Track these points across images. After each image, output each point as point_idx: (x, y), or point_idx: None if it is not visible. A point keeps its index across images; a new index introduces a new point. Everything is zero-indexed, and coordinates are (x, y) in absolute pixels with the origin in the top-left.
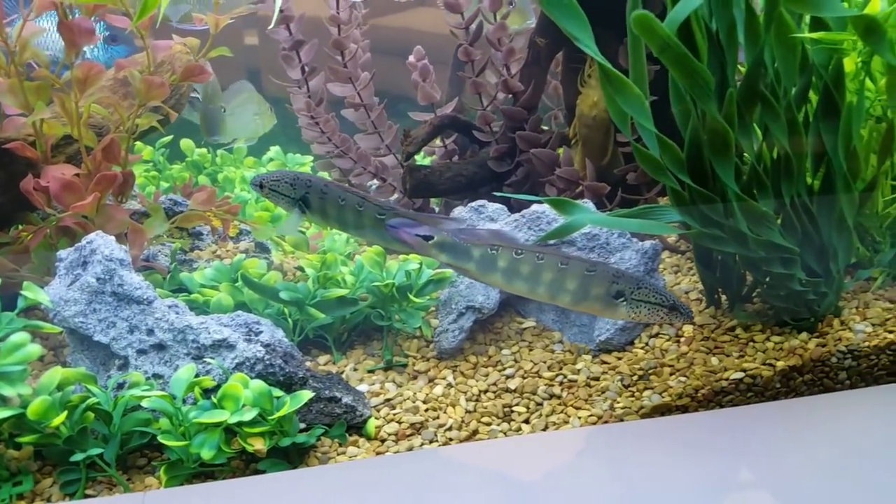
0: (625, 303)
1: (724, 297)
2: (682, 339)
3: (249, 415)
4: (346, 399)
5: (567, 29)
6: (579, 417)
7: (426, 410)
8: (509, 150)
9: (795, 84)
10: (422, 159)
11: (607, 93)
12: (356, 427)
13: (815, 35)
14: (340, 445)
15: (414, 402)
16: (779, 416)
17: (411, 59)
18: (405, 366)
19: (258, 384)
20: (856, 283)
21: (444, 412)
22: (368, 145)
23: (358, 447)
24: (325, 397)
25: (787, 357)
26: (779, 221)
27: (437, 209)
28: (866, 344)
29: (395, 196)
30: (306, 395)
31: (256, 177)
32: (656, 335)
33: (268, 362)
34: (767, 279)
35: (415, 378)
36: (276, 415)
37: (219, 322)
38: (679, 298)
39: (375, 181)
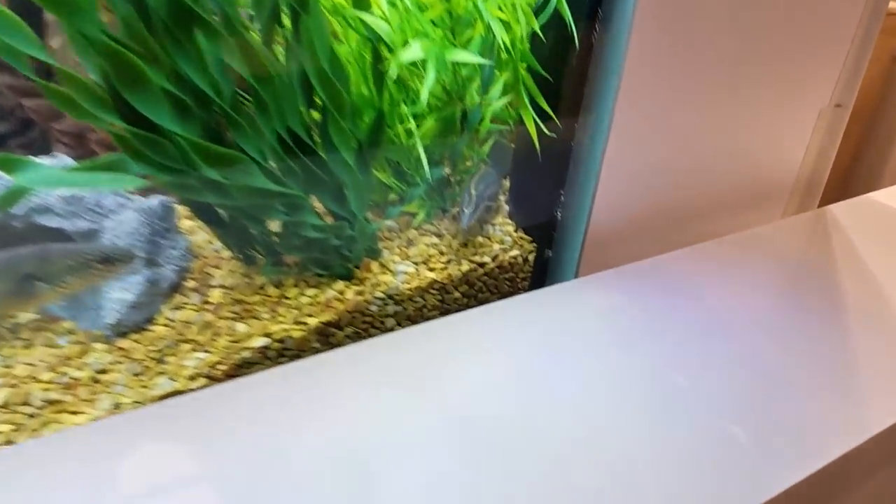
0: (45, 284)
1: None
2: (210, 307)
3: None
4: None
5: None
6: (76, 424)
7: None
8: (9, 106)
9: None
10: None
11: None
12: None
13: None
14: None
15: None
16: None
17: None
18: None
19: None
20: (398, 220)
21: None
22: None
23: None
24: None
25: (322, 313)
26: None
27: None
28: (407, 286)
29: None
30: None
31: None
32: (181, 307)
33: None
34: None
35: None
36: None
37: None
38: (113, 242)
39: None
